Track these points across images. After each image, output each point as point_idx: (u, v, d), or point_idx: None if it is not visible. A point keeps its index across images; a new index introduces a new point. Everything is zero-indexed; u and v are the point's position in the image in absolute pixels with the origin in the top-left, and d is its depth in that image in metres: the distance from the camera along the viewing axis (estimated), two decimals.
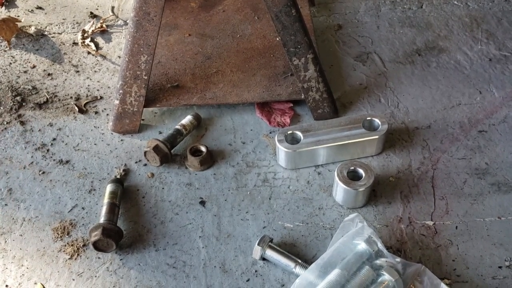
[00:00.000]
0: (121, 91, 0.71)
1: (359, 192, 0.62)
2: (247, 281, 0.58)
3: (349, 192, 0.62)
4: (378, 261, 0.57)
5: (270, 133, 0.73)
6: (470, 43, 0.85)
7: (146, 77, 0.70)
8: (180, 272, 0.59)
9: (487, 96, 0.77)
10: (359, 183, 0.62)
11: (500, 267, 0.59)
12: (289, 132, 0.68)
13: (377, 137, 0.67)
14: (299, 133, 0.68)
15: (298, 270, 0.57)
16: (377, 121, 0.69)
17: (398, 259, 0.57)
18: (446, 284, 0.57)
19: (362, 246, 0.57)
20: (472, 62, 0.82)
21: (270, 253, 0.59)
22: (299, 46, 0.69)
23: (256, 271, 0.59)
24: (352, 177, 0.62)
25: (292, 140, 0.68)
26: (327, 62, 0.84)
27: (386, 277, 0.55)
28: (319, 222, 0.63)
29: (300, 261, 0.58)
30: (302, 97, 0.74)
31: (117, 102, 0.72)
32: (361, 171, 0.63)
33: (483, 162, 0.69)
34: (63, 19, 0.93)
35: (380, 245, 0.58)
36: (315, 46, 0.81)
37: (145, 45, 0.68)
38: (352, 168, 0.63)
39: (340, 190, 0.63)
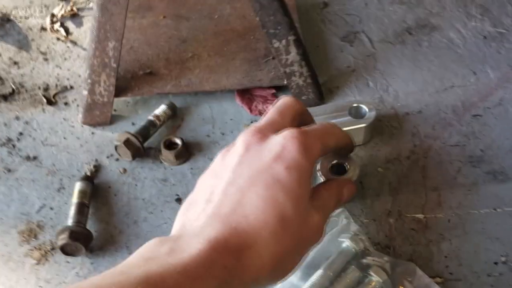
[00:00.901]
0: (89, 81, 0.67)
1: None
2: None
3: None
4: (365, 260, 0.53)
5: (252, 122, 0.69)
6: (463, 19, 0.80)
7: (115, 65, 0.65)
8: None
9: (482, 77, 0.72)
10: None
11: (495, 263, 0.55)
12: None
13: (364, 125, 0.63)
14: None
15: None
16: (364, 108, 0.64)
17: (387, 258, 0.53)
18: (438, 283, 0.53)
19: (347, 244, 0.54)
20: (466, 40, 0.77)
21: None
22: (279, 27, 0.64)
23: None
24: (335, 171, 0.58)
25: None
26: (312, 43, 0.78)
27: (373, 277, 0.51)
28: None
29: None
30: (285, 82, 0.69)
31: (85, 92, 0.67)
32: (345, 164, 0.58)
33: (478, 149, 0.65)
34: (30, 2, 0.87)
35: (367, 243, 0.54)
36: (298, 26, 0.76)
37: (112, 31, 0.63)
38: (335, 161, 0.58)
39: None
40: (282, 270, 0.43)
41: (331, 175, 0.57)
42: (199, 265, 0.36)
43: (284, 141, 0.45)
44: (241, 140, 0.47)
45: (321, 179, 0.57)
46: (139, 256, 0.39)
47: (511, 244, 0.56)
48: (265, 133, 0.47)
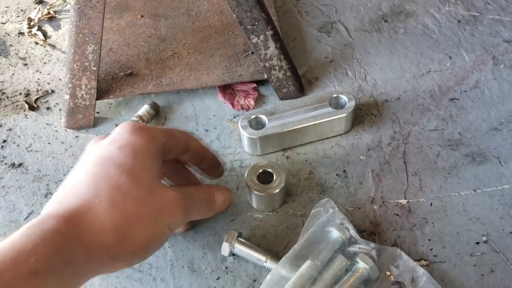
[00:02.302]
0: (70, 85, 0.67)
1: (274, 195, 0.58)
2: (217, 279, 0.56)
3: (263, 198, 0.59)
4: (351, 248, 0.55)
5: (234, 117, 0.70)
6: (437, 4, 0.81)
7: (95, 68, 0.66)
8: (147, 276, 0.56)
9: (457, 61, 0.74)
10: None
11: (477, 243, 0.57)
12: (253, 117, 0.64)
13: (344, 115, 0.64)
14: (263, 117, 0.64)
15: (269, 264, 0.55)
16: (344, 98, 0.65)
17: (372, 245, 0.55)
18: (423, 266, 0.55)
19: (334, 233, 0.55)
20: (441, 25, 0.79)
21: (239, 249, 0.56)
22: (256, 23, 0.65)
23: (226, 267, 0.56)
24: (263, 180, 0.58)
25: (257, 125, 0.64)
26: (291, 36, 0.79)
27: (360, 264, 0.53)
28: (289, 210, 0.60)
29: (270, 254, 0.55)
30: (265, 77, 0.70)
31: (67, 97, 0.68)
32: (271, 172, 0.59)
33: (456, 132, 0.66)
34: (6, 7, 0.86)
35: (352, 231, 0.55)
36: (276, 19, 0.77)
37: (90, 34, 0.63)
38: (261, 170, 0.59)
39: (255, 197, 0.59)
40: (131, 238, 0.44)
41: (258, 183, 0.58)
42: (27, 236, 0.39)
43: (117, 128, 0.49)
44: (85, 147, 0.51)
45: (251, 189, 0.58)
46: None
47: (491, 224, 0.58)
48: (105, 135, 0.50)
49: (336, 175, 0.63)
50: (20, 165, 0.66)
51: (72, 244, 0.40)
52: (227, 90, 0.72)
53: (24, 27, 0.83)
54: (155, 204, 0.45)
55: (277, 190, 0.57)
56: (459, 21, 0.79)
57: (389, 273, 0.54)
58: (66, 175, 0.64)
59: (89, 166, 0.46)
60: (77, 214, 0.42)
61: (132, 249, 0.44)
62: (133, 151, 0.46)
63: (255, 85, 0.73)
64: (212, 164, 0.57)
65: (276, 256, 0.55)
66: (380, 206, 0.60)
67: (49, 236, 0.39)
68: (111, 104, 0.72)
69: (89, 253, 0.41)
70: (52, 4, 0.86)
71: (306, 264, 0.52)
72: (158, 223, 0.46)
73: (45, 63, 0.78)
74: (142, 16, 0.79)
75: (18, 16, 0.85)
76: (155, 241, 0.46)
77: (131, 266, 0.46)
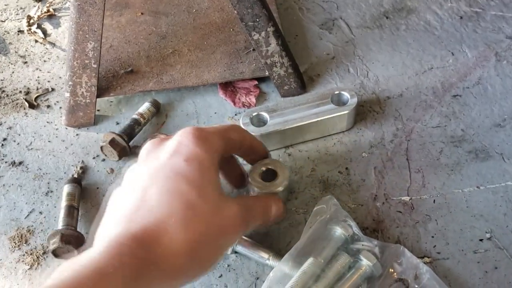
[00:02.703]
0: (70, 83, 0.66)
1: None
2: (219, 277, 0.55)
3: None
4: (354, 246, 0.54)
5: (236, 115, 0.69)
6: (439, 0, 0.81)
7: (95, 66, 0.65)
8: None
9: (460, 58, 0.73)
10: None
11: (481, 239, 0.56)
12: (254, 114, 0.64)
13: (347, 112, 0.64)
14: (265, 114, 0.64)
15: (271, 261, 0.55)
16: (346, 94, 0.65)
17: (375, 242, 0.55)
18: (426, 263, 0.54)
19: (336, 231, 0.54)
20: (443, 21, 0.78)
21: (242, 246, 0.56)
22: (257, 20, 0.64)
23: (228, 265, 0.56)
24: (265, 177, 0.57)
25: (259, 122, 0.64)
26: (292, 32, 0.79)
27: (363, 262, 0.52)
28: (291, 207, 0.60)
29: (273, 252, 0.55)
30: (267, 73, 0.69)
31: (67, 94, 0.67)
32: (275, 170, 0.58)
33: (459, 129, 0.66)
34: (5, 5, 0.86)
35: (355, 229, 0.55)
36: (277, 16, 0.76)
37: (90, 31, 0.63)
38: (265, 168, 0.57)
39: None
40: (201, 258, 0.43)
41: (261, 181, 0.57)
42: (108, 258, 0.38)
43: (179, 137, 0.47)
44: (141, 151, 0.49)
45: (253, 187, 0.57)
46: (57, 272, 0.39)
47: (495, 221, 0.57)
48: (162, 139, 0.49)
49: (339, 172, 0.63)
50: (20, 163, 0.66)
51: (151, 270, 0.40)
52: (228, 87, 0.72)
53: (24, 25, 0.82)
54: (221, 223, 0.44)
55: (281, 188, 0.57)
56: (461, 18, 0.78)
57: (392, 270, 0.53)
58: (66, 173, 0.64)
59: (159, 179, 0.44)
60: (153, 235, 0.41)
61: (200, 269, 0.44)
62: (200, 166, 0.45)
63: (256, 82, 0.72)
64: (259, 156, 0.57)
65: (278, 253, 0.55)
66: (383, 203, 0.60)
67: (128, 261, 0.39)
68: (111, 101, 0.72)
69: (163, 277, 0.41)
70: (51, 2, 0.86)
71: (309, 262, 0.52)
72: (224, 242, 0.46)
73: (45, 61, 0.78)
74: (142, 13, 0.79)
75: (17, 14, 0.85)
76: (219, 259, 0.46)
77: None
